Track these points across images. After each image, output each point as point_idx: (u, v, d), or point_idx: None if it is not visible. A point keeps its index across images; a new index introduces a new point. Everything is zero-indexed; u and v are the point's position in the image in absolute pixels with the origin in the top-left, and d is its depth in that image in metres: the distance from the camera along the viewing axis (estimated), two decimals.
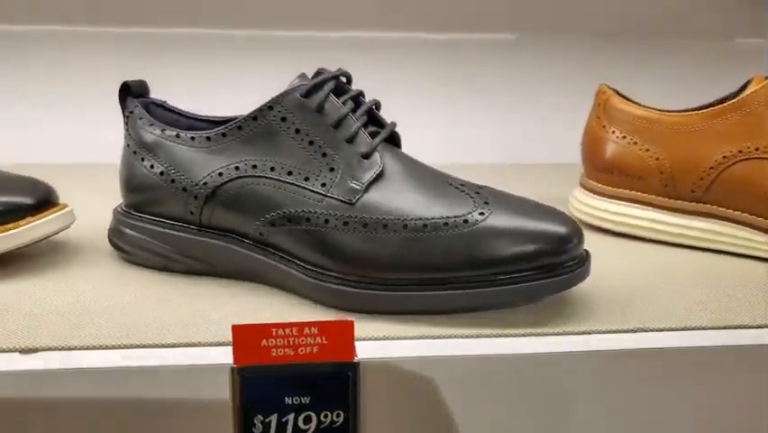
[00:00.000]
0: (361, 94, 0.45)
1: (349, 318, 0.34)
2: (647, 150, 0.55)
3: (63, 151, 0.81)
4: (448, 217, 0.40)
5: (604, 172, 0.58)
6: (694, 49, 0.90)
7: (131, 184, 0.47)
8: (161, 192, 0.45)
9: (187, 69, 0.82)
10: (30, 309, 0.40)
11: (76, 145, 0.81)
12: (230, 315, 0.40)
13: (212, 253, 0.44)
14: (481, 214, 0.40)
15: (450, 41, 0.88)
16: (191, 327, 0.38)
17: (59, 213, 0.47)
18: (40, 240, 0.46)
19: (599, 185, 0.59)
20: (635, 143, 0.56)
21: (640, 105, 0.57)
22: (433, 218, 0.40)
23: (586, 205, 0.59)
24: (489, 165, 0.84)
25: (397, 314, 0.40)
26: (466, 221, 0.39)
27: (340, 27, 0.85)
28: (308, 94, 0.43)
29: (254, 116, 0.43)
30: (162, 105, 0.50)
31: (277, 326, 0.33)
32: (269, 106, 0.43)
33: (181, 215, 0.45)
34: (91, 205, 0.58)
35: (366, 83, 0.47)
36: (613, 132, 0.57)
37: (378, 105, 0.46)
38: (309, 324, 0.33)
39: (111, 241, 0.48)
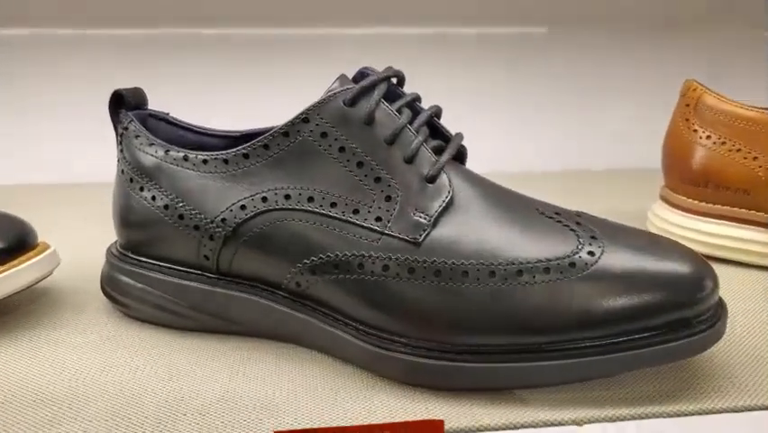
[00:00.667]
0: (416, 99, 0.36)
1: (435, 416, 0.24)
2: (755, 158, 0.45)
3: (46, 168, 0.71)
4: (549, 260, 0.30)
5: (694, 185, 0.48)
6: (737, 38, 0.81)
7: (127, 220, 0.37)
8: (166, 231, 0.35)
9: (191, 74, 0.73)
10: None
11: (62, 162, 0.71)
12: (266, 397, 0.30)
13: (233, 308, 0.35)
14: (591, 254, 0.30)
15: (479, 35, 0.78)
16: (214, 417, 0.29)
17: (37, 258, 0.37)
18: (12, 294, 0.36)
19: (688, 200, 0.49)
20: (738, 150, 0.46)
21: (742, 104, 0.47)
22: (528, 262, 0.30)
23: (669, 223, 0.50)
24: (537, 174, 0.75)
25: (483, 390, 0.30)
26: (573, 264, 0.30)
27: (361, 23, 0.75)
28: (354, 101, 0.33)
29: (285, 132, 0.33)
30: (164, 119, 0.40)
31: (337, 430, 0.24)
32: (303, 119, 0.33)
33: (193, 259, 0.35)
34: (82, 239, 0.48)
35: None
36: (708, 136, 0.47)
37: (438, 112, 0.36)
38: (381, 427, 0.24)
39: (104, 291, 0.39)
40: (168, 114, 0.41)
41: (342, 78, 0.35)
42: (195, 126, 0.41)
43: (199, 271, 0.35)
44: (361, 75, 0.36)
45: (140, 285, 0.36)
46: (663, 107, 0.55)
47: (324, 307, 0.33)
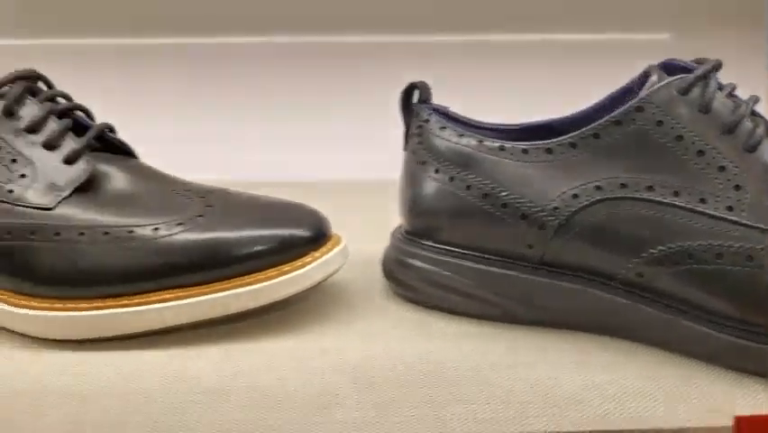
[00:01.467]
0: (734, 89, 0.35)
1: None
2: None
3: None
4: None
5: None
6: None
7: (423, 206, 0.37)
8: (483, 219, 0.35)
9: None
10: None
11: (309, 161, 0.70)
12: (643, 390, 0.30)
13: (557, 298, 0.35)
14: None
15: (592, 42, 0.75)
16: (591, 405, 0.29)
17: (339, 247, 0.38)
18: (321, 282, 0.37)
19: None
20: None
21: None
22: None
23: None
24: None
25: None
26: None
27: (466, 29, 0.72)
28: (687, 90, 0.33)
29: (617, 120, 0.33)
30: (446, 113, 0.40)
31: None
32: (637, 107, 0.33)
33: (511, 248, 0.35)
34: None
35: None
36: None
37: (757, 101, 0.35)
38: None
39: (390, 275, 0.39)
40: (447, 107, 0.41)
41: (655, 68, 0.35)
42: (472, 120, 0.41)
43: (517, 261, 0.35)
44: (665, 67, 0.36)
45: (441, 271, 0.37)
46: None
47: (667, 298, 0.32)
